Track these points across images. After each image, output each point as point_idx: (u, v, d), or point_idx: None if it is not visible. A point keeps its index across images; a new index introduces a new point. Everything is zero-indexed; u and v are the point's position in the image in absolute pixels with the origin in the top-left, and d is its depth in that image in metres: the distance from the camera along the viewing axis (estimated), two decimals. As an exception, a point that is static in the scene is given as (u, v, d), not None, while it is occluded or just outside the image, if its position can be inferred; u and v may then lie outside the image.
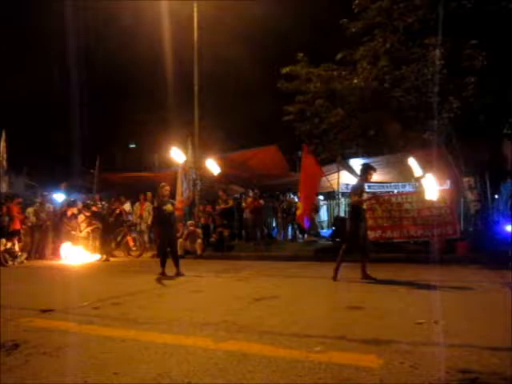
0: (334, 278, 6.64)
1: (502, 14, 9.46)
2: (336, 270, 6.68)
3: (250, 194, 14.24)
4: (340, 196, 15.93)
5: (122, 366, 2.82)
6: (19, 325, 4.05)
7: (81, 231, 12.76)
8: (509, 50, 9.40)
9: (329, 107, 11.39)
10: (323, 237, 14.29)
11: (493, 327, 3.64)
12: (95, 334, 3.72)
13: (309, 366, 2.75)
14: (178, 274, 7.76)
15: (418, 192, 10.83)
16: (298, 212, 12.15)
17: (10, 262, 10.84)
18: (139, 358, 3.02)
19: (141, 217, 14.26)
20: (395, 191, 14.64)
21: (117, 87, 24.96)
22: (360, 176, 7.37)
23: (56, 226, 12.88)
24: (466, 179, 10.53)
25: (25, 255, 11.61)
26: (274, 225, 15.64)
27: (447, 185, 13.14)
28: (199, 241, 11.74)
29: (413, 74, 10.16)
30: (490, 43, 9.61)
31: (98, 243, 12.43)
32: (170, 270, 7.87)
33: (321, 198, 18.33)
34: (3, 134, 13.99)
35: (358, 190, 6.97)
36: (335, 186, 15.58)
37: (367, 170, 7.16)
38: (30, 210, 12.56)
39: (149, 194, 14.12)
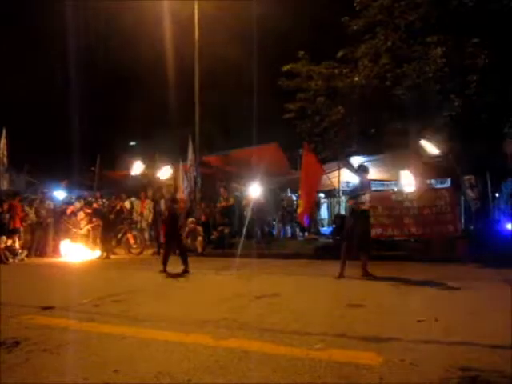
0: (341, 276, 6.65)
1: (504, 12, 9.43)
2: (342, 268, 6.70)
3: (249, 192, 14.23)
4: (341, 194, 15.89)
5: (122, 364, 2.82)
6: (20, 322, 4.05)
7: (81, 228, 12.76)
8: (511, 47, 9.37)
9: (330, 105, 11.38)
10: (324, 235, 14.28)
11: (493, 325, 3.64)
12: (96, 331, 3.72)
13: (309, 363, 2.75)
14: (184, 271, 7.77)
15: (419, 190, 10.81)
16: (299, 210, 12.15)
17: (11, 260, 10.84)
18: (139, 355, 3.02)
19: (141, 214, 14.26)
20: (396, 189, 14.60)
21: (117, 85, 24.94)
22: (359, 177, 7.44)
23: (56, 223, 12.87)
24: (466, 177, 10.52)
25: (25, 253, 11.60)
26: (274, 223, 15.64)
27: (448, 183, 13.14)
28: (200, 238, 11.73)
29: (414, 72, 10.13)
30: (491, 41, 9.58)
31: (98, 241, 12.44)
32: (172, 267, 7.87)
33: (321, 195, 18.31)
34: (4, 132, 13.98)
35: (353, 193, 7.09)
36: (336, 184, 15.55)
37: (363, 170, 7.29)
38: (28, 208, 12.57)
39: (149, 192, 14.13)
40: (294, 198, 15.45)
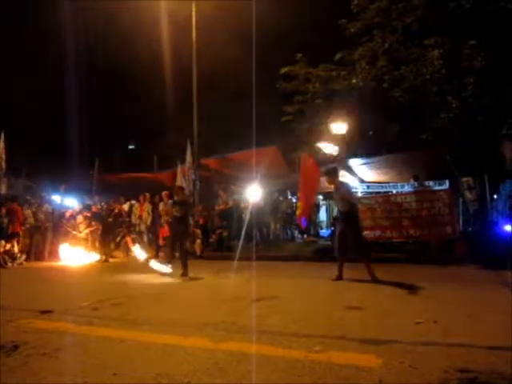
0: (338, 278, 6.65)
1: (501, 15, 9.48)
2: (338, 270, 6.71)
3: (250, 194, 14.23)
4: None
5: (121, 367, 2.82)
6: (19, 326, 4.05)
7: (80, 232, 12.75)
8: (508, 50, 9.41)
9: (328, 107, 11.43)
10: (322, 237, 14.28)
11: (492, 327, 3.65)
12: (94, 334, 3.71)
13: (308, 365, 2.75)
14: (182, 275, 7.75)
15: (418, 192, 10.83)
16: (298, 212, 12.16)
17: (10, 264, 10.82)
18: (138, 358, 3.02)
19: (140, 217, 14.24)
20: (394, 191, 14.62)
21: (116, 88, 24.95)
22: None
23: (55, 227, 12.86)
24: (464, 179, 10.54)
25: (24, 256, 11.58)
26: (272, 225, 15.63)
27: (446, 185, 13.15)
28: (198, 241, 11.72)
29: (411, 74, 10.18)
30: (488, 43, 9.63)
31: (97, 244, 12.42)
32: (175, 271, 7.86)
33: (320, 198, 18.32)
34: (2, 136, 13.97)
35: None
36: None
37: (329, 174, 7.35)
38: (28, 211, 12.55)
39: (147, 195, 14.11)
40: (294, 200, 15.45)
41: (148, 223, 13.75)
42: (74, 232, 12.56)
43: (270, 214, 14.43)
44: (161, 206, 12.83)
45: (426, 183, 12.81)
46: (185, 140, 15.24)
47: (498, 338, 3.22)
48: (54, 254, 12.45)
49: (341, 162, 14.04)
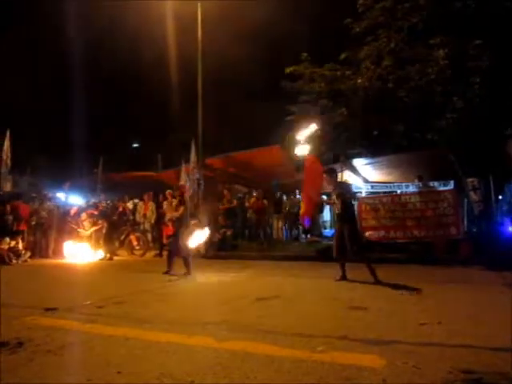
0: (343, 278, 6.65)
1: (506, 15, 9.43)
2: (341, 271, 6.71)
3: (254, 193, 14.25)
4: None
5: (125, 365, 2.83)
6: (23, 323, 4.07)
7: (85, 229, 12.79)
8: (513, 50, 9.38)
9: (332, 107, 11.41)
10: (326, 237, 14.26)
11: (496, 328, 3.63)
12: (99, 332, 3.73)
13: (311, 365, 2.75)
14: (185, 274, 7.76)
15: (422, 192, 10.80)
16: (300, 212, 12.14)
17: (14, 261, 10.88)
18: (142, 356, 3.03)
19: (144, 216, 14.29)
20: (398, 191, 14.59)
21: (120, 87, 25.03)
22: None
23: (59, 224, 12.91)
24: (469, 180, 10.49)
25: (28, 254, 11.65)
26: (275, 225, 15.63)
27: (451, 185, 13.11)
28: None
29: (417, 73, 10.14)
30: (494, 43, 9.58)
31: (101, 242, 12.46)
32: (177, 269, 7.87)
33: (324, 197, 18.29)
34: (7, 134, 14.04)
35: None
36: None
37: (328, 174, 7.32)
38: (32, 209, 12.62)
39: (151, 194, 14.16)
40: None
41: (152, 222, 13.81)
42: (79, 230, 12.60)
43: (273, 213, 14.44)
44: (164, 204, 12.86)
45: (431, 183, 12.78)
46: (189, 139, 15.26)
47: (502, 339, 3.21)
48: (58, 252, 12.51)
49: (345, 162, 14.04)
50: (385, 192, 15.20)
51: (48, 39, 23.16)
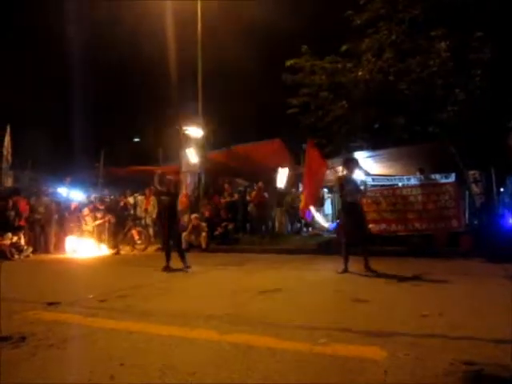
0: (345, 270, 6.67)
1: (508, 6, 9.36)
2: (344, 263, 6.72)
3: (255, 187, 14.24)
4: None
5: (127, 358, 2.84)
6: (26, 317, 4.08)
7: (86, 224, 12.82)
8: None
9: (333, 100, 11.36)
10: (327, 230, 14.26)
11: (497, 320, 3.64)
12: (101, 326, 3.74)
13: (313, 357, 2.76)
14: (185, 268, 7.76)
15: (423, 185, 10.78)
16: (301, 205, 12.14)
17: (17, 256, 10.92)
18: (145, 349, 3.04)
19: (146, 210, 14.31)
20: (399, 184, 14.56)
21: (121, 81, 24.96)
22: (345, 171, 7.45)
23: (60, 219, 12.92)
24: (471, 172, 10.47)
25: (30, 249, 11.68)
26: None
27: (452, 178, 13.07)
28: (204, 234, 11.76)
29: (418, 66, 10.08)
30: (496, 35, 9.52)
31: (103, 237, 12.49)
32: (177, 263, 7.88)
33: (325, 191, 18.27)
34: (8, 129, 14.03)
35: (335, 186, 7.14)
36: (339, 180, 15.51)
37: (348, 163, 7.26)
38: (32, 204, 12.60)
39: (153, 188, 14.16)
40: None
41: (154, 216, 13.83)
42: (80, 225, 12.63)
43: (275, 206, 14.43)
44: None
45: (432, 176, 12.75)
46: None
47: (503, 331, 3.21)
48: (59, 247, 12.54)
49: (346, 155, 13.99)
50: (385, 185, 15.18)
51: (48, 32, 23.06)
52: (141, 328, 3.61)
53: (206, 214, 13.47)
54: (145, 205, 14.42)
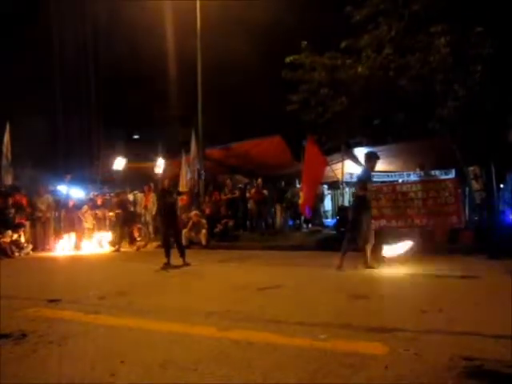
0: (340, 267, 6.66)
1: (509, 1, 9.32)
2: (341, 259, 6.72)
3: (255, 184, 14.26)
4: (344, 186, 15.88)
5: (128, 354, 2.84)
6: (27, 315, 4.09)
7: (86, 222, 12.83)
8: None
9: (333, 96, 11.32)
10: (327, 227, 14.29)
11: (497, 316, 3.64)
12: (102, 323, 3.75)
13: (314, 353, 2.76)
14: (184, 264, 7.79)
15: (423, 181, 10.78)
16: (300, 201, 12.15)
17: (17, 254, 10.93)
18: (145, 346, 3.05)
19: (145, 207, 14.31)
20: (399, 180, 14.58)
21: (120, 78, 24.87)
22: (365, 165, 7.38)
23: (60, 217, 12.92)
24: (471, 168, 10.46)
25: (30, 247, 11.70)
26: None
27: (452, 174, 13.09)
28: (204, 231, 11.77)
29: (418, 62, 10.04)
30: (496, 31, 9.48)
31: (116, 233, 12.45)
32: (177, 260, 7.89)
33: (325, 187, 18.29)
34: (8, 126, 14.00)
35: (361, 182, 7.00)
36: (339, 176, 15.54)
37: (371, 158, 7.18)
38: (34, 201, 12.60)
39: (153, 185, 14.17)
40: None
41: (153, 213, 13.83)
42: (86, 223, 12.64)
43: (274, 203, 14.45)
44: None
45: (432, 172, 12.76)
46: (190, 130, 15.22)
47: (503, 327, 3.21)
48: (59, 244, 12.54)
49: (346, 151, 14.01)
50: (385, 181, 15.19)
51: (48, 29, 22.94)
52: (141, 325, 3.62)
53: (207, 211, 13.48)
54: (144, 202, 14.42)
